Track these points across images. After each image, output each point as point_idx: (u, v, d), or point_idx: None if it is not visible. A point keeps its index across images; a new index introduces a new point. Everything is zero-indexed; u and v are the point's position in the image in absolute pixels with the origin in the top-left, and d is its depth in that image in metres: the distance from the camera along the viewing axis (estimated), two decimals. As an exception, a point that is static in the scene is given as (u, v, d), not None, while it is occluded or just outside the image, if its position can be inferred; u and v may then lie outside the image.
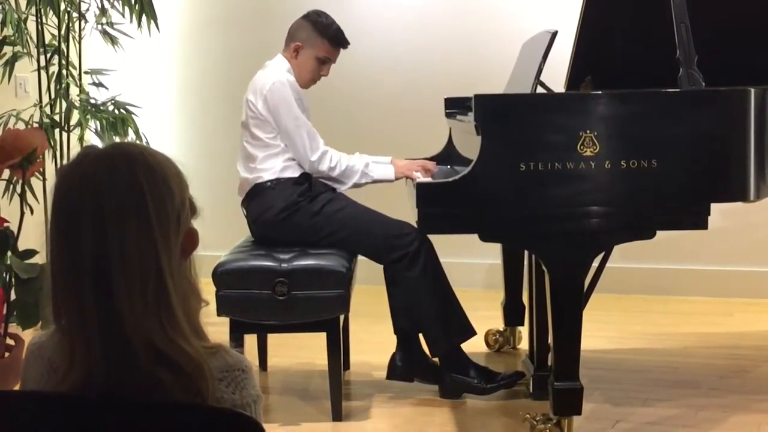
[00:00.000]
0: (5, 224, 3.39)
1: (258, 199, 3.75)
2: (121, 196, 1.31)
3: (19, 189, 4.53)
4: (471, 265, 5.09)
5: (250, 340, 3.85)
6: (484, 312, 4.09)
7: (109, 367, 1.30)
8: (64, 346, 1.34)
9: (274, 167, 3.74)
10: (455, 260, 4.28)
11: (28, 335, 2.98)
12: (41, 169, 4.52)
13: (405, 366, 3.69)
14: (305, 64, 3.86)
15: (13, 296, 3.07)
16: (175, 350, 1.31)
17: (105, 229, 1.30)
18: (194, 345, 1.33)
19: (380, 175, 3.81)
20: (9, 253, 2.95)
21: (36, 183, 4.55)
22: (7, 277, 2.91)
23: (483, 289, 4.76)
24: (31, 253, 3.62)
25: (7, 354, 2.95)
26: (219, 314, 3.42)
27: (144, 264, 1.31)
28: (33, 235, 3.21)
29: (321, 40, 3.85)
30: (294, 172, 3.74)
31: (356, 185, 3.79)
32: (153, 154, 1.37)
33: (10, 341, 3.00)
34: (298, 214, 3.68)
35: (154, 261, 1.31)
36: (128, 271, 1.30)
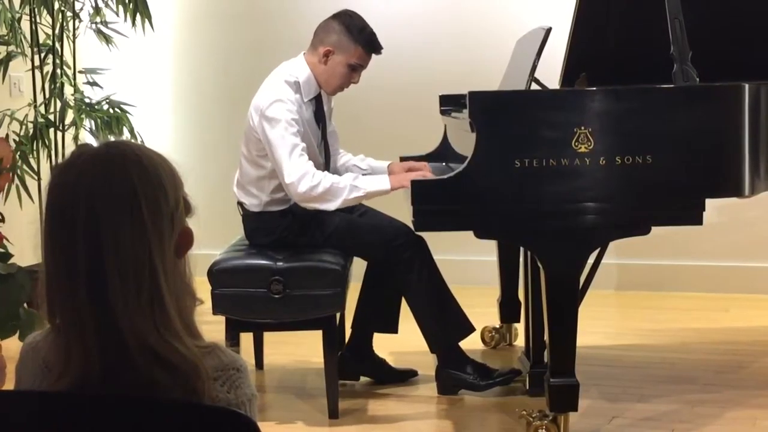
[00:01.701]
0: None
1: (247, 221, 3.72)
2: (115, 196, 1.31)
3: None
4: (466, 262, 5.09)
5: (246, 339, 3.85)
6: (480, 309, 4.09)
7: (106, 367, 1.30)
8: (59, 346, 1.33)
9: (259, 199, 3.63)
10: (451, 257, 4.29)
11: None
12: (32, 175, 4.52)
13: (355, 363, 3.78)
14: (335, 71, 3.61)
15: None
16: (169, 350, 1.31)
17: (99, 230, 1.29)
18: (188, 345, 1.33)
19: (374, 187, 3.47)
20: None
21: (30, 182, 4.55)
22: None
23: (479, 286, 4.75)
24: (6, 256, 3.62)
25: None
26: (215, 313, 3.42)
27: (138, 264, 1.30)
28: (27, 234, 3.20)
29: (354, 45, 3.58)
30: (278, 206, 3.63)
31: (347, 201, 3.48)
32: (147, 153, 1.36)
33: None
34: (287, 247, 3.60)
35: (147, 261, 1.31)
36: (122, 271, 1.29)
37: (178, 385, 1.30)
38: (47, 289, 1.34)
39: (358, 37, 3.59)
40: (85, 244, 1.29)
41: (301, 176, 3.43)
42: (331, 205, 3.48)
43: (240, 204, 3.75)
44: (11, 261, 3.67)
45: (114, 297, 1.29)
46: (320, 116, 3.70)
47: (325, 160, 3.72)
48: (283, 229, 3.64)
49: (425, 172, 3.57)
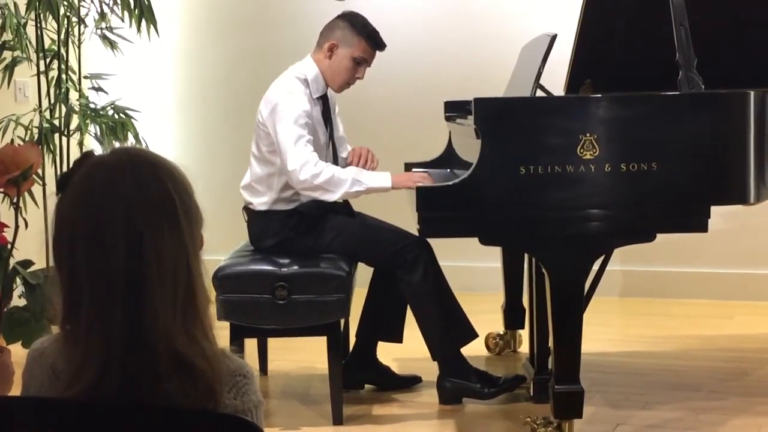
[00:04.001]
0: (5, 229, 3.39)
1: (252, 223, 3.73)
2: (154, 205, 1.32)
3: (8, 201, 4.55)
4: (471, 269, 5.09)
5: (251, 344, 3.84)
6: (485, 315, 4.09)
7: (126, 375, 1.29)
8: (69, 353, 1.33)
9: (266, 197, 3.66)
10: (455, 263, 4.28)
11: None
12: (38, 181, 4.51)
13: (359, 372, 3.78)
14: (340, 65, 3.67)
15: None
16: (196, 352, 1.31)
17: (141, 240, 1.30)
18: (213, 344, 1.35)
19: (375, 183, 3.53)
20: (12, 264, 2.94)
21: (35, 187, 4.54)
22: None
23: (483, 293, 4.75)
24: (29, 263, 3.64)
25: None
26: (219, 318, 3.43)
27: (178, 270, 1.32)
28: (33, 243, 3.21)
29: (358, 39, 3.66)
30: (286, 205, 3.65)
31: (348, 194, 3.54)
32: (166, 160, 1.38)
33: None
34: (292, 248, 3.62)
35: (185, 266, 1.33)
36: (163, 278, 1.30)
37: (195, 389, 1.30)
38: (65, 296, 1.33)
39: (361, 31, 3.68)
40: (126, 251, 1.29)
41: (303, 164, 3.47)
42: (332, 196, 3.52)
43: (245, 208, 3.75)
44: (33, 268, 3.69)
45: (152, 301, 1.29)
46: (327, 117, 3.75)
47: (333, 161, 3.75)
48: (290, 229, 3.64)
49: (426, 176, 3.61)
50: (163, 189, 1.33)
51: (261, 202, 3.68)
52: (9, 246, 2.63)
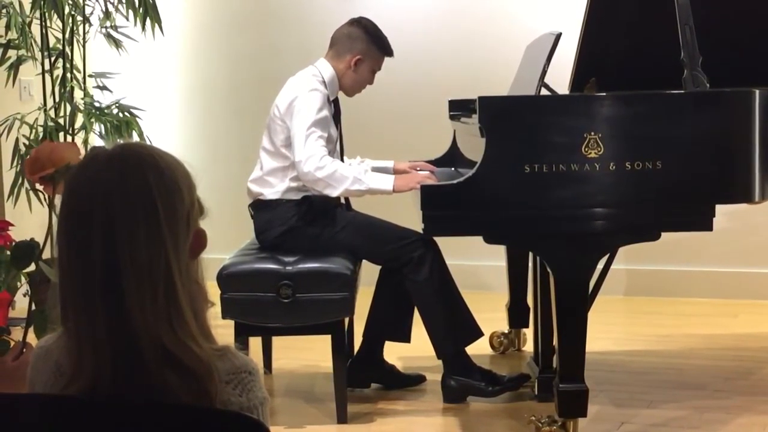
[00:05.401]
0: (9, 227, 3.39)
1: (260, 215, 3.74)
2: (131, 198, 1.31)
3: (29, 197, 4.56)
4: (475, 267, 5.09)
5: (255, 343, 3.85)
6: (489, 314, 4.09)
7: (117, 371, 1.30)
8: (71, 350, 1.33)
9: (277, 187, 3.68)
10: (459, 262, 4.28)
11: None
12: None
13: (365, 371, 3.79)
14: (362, 77, 3.82)
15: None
16: (184, 352, 1.31)
17: (115, 233, 1.30)
18: (203, 346, 1.33)
19: (377, 184, 3.57)
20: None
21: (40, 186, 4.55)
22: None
23: (487, 291, 4.75)
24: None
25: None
26: (224, 317, 3.43)
27: (154, 266, 1.31)
28: (38, 238, 3.20)
29: (379, 53, 3.82)
30: (296, 195, 3.67)
31: (349, 192, 3.58)
32: (162, 155, 1.37)
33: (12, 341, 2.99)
34: (298, 237, 3.64)
35: (163, 263, 1.31)
36: (138, 273, 1.30)
37: (190, 387, 1.30)
38: (61, 291, 1.34)
39: (381, 46, 3.81)
40: (101, 248, 1.29)
41: (309, 156, 3.55)
42: (333, 191, 3.57)
43: (251, 205, 3.77)
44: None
45: (130, 300, 1.29)
46: (338, 119, 3.81)
47: (341, 160, 3.79)
48: (298, 218, 3.66)
49: (429, 175, 3.69)
50: (143, 184, 1.32)
51: (273, 191, 3.71)
52: (41, 244, 2.62)
